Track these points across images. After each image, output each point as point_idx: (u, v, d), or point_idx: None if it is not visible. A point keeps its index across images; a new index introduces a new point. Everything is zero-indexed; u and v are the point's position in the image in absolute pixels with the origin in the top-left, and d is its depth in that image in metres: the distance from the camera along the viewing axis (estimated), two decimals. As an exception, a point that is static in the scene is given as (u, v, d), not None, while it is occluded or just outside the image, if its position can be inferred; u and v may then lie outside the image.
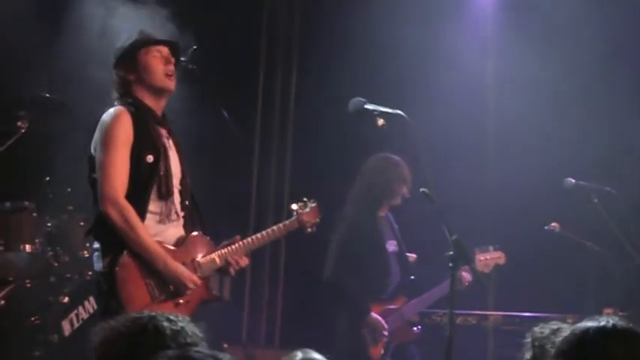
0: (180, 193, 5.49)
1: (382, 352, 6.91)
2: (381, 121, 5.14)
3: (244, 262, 5.63)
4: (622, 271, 7.18)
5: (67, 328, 7.30)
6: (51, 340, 7.25)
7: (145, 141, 5.32)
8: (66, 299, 7.36)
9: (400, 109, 5.22)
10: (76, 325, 7.33)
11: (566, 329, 3.36)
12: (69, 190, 7.84)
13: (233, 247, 5.58)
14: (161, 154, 5.35)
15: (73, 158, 7.75)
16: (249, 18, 9.55)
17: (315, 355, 2.72)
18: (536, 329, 3.56)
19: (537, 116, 8.60)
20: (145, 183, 5.30)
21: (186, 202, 5.54)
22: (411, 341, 7.09)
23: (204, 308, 5.50)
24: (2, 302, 7.29)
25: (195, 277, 5.36)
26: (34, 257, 7.48)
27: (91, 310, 7.39)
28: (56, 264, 7.54)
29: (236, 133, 6.85)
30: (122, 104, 5.37)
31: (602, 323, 2.77)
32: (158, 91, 5.44)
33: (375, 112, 5.20)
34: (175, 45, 5.61)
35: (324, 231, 6.38)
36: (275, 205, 9.70)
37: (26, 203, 7.49)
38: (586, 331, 2.73)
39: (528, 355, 3.53)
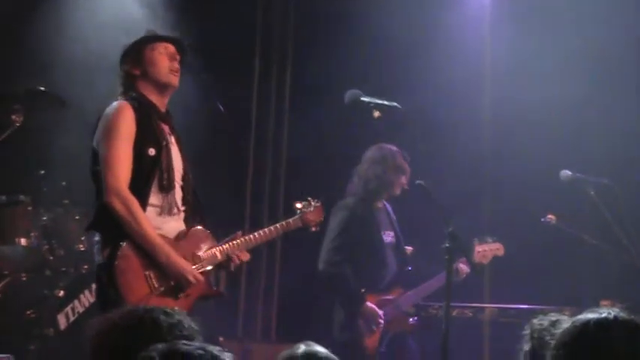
0: (182, 188, 5.54)
1: (378, 342, 6.91)
2: (376, 113, 5.13)
3: (245, 257, 5.65)
4: (619, 263, 7.17)
5: (62, 321, 7.29)
6: (46, 333, 7.23)
7: (147, 135, 5.37)
8: (61, 293, 7.34)
9: (396, 100, 5.22)
10: (72, 318, 7.32)
11: (565, 321, 3.36)
12: (64, 183, 7.82)
13: (234, 242, 5.60)
14: (163, 148, 5.40)
15: (69, 152, 7.76)
16: (245, 8, 9.52)
17: (318, 347, 2.71)
18: (535, 321, 3.55)
19: (534, 107, 8.59)
20: (147, 175, 5.34)
21: (188, 197, 5.57)
22: (407, 332, 7.09)
23: (202, 303, 5.50)
24: (-2, 296, 7.29)
25: (197, 273, 5.37)
26: (29, 251, 7.48)
27: (87, 304, 7.38)
28: (51, 257, 7.53)
29: (230, 123, 6.85)
30: (125, 99, 5.43)
31: (604, 315, 2.76)
32: (162, 87, 5.50)
33: (371, 104, 5.19)
34: (182, 43, 5.65)
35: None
36: (270, 199, 9.68)
37: (21, 197, 7.49)
38: (587, 323, 2.72)
39: (527, 346, 3.52)
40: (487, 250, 7.23)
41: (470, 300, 7.56)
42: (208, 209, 5.76)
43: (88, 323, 2.93)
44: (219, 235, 5.62)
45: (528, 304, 7.13)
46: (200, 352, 2.31)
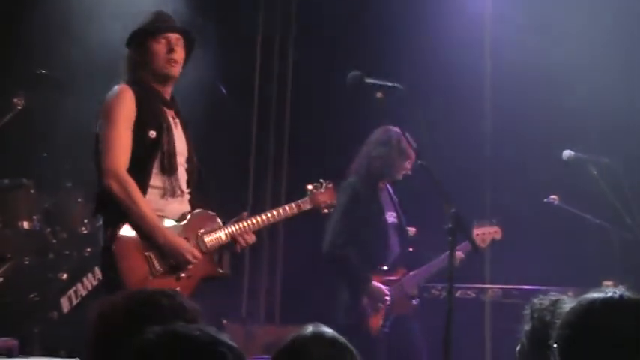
0: (187, 170, 5.56)
1: (381, 322, 6.92)
2: (379, 94, 5.12)
3: (251, 239, 5.65)
4: (621, 243, 7.17)
5: (65, 304, 7.31)
6: (50, 316, 7.26)
7: (147, 117, 5.39)
8: (65, 276, 7.37)
9: (397, 83, 5.21)
10: (75, 301, 7.34)
11: (566, 300, 3.36)
12: (67, 166, 7.83)
13: (240, 224, 5.60)
14: (164, 131, 5.41)
15: (71, 135, 7.76)
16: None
17: (325, 328, 2.71)
18: (536, 301, 3.55)
19: (536, 87, 8.58)
20: (147, 158, 5.36)
21: (193, 180, 5.59)
22: (409, 314, 7.09)
23: (205, 284, 5.51)
24: (1, 279, 7.30)
25: (195, 251, 5.38)
26: (32, 234, 7.49)
27: (90, 287, 7.40)
28: (54, 241, 7.55)
29: (233, 107, 6.85)
30: (127, 82, 5.45)
31: (609, 294, 2.76)
32: (161, 77, 5.51)
33: (374, 86, 5.17)
34: (188, 33, 5.65)
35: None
36: (273, 182, 9.68)
37: (24, 180, 7.50)
38: (593, 302, 2.72)
39: (527, 326, 3.53)
40: (485, 233, 7.23)
41: (472, 281, 7.56)
42: (209, 192, 5.76)
43: (90, 306, 2.93)
44: (221, 217, 5.62)
45: (531, 285, 7.14)
46: (197, 333, 2.31)
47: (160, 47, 5.47)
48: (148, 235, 5.25)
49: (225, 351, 2.32)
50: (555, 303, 3.45)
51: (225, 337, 2.35)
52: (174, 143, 5.46)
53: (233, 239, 5.57)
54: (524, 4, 8.83)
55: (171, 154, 5.42)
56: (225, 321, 7.83)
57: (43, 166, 7.82)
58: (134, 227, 5.24)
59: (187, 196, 5.55)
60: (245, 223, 5.60)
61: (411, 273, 7.08)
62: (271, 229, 9.26)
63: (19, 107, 7.54)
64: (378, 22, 9.16)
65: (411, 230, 7.39)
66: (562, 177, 7.57)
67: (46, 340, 7.17)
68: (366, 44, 9.06)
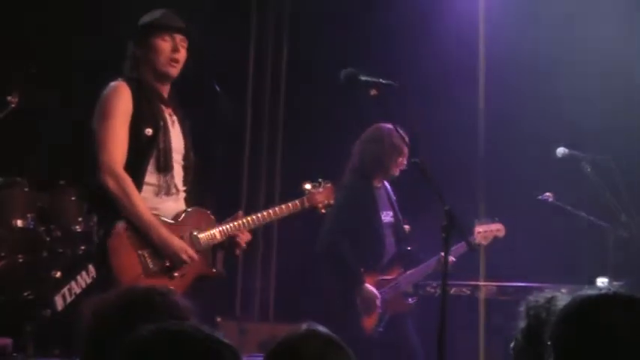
0: (184, 168, 5.55)
1: (375, 322, 6.91)
2: (373, 91, 5.11)
3: (247, 238, 5.65)
4: (616, 240, 7.17)
5: (59, 302, 7.29)
6: (44, 315, 7.24)
7: (144, 114, 5.38)
8: (58, 274, 7.34)
9: (390, 77, 5.20)
10: (69, 299, 7.32)
11: (561, 298, 3.36)
12: (61, 164, 7.81)
13: (236, 223, 5.59)
14: (160, 128, 5.41)
15: (65, 133, 7.75)
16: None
17: (320, 327, 2.71)
18: (531, 298, 3.55)
19: (529, 85, 8.58)
20: (143, 155, 5.35)
21: (189, 178, 5.58)
22: (405, 313, 7.09)
23: (199, 283, 5.49)
24: (-6, 277, 7.29)
25: (190, 251, 5.36)
26: (26, 232, 7.46)
27: (84, 285, 7.38)
28: (48, 239, 7.52)
29: (227, 105, 6.83)
30: (124, 79, 5.44)
31: (603, 291, 2.77)
32: (159, 75, 5.51)
33: (368, 83, 5.17)
34: (192, 34, 5.66)
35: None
36: (267, 179, 9.66)
37: (18, 178, 7.48)
38: (587, 299, 2.72)
39: (523, 324, 3.52)
40: (487, 230, 7.23)
41: (466, 278, 7.57)
42: (206, 190, 5.76)
43: (83, 304, 2.93)
44: (216, 216, 5.61)
45: (525, 282, 7.14)
46: (192, 330, 2.31)
47: (164, 45, 5.48)
48: (142, 233, 5.24)
49: (221, 348, 2.31)
50: (550, 300, 3.44)
51: (220, 334, 2.35)
52: (170, 141, 5.45)
53: (228, 238, 5.56)
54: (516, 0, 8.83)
55: (167, 152, 5.41)
56: (219, 319, 7.82)
57: (37, 164, 7.80)
58: (129, 224, 5.23)
59: (183, 194, 5.54)
60: (240, 221, 5.59)
61: (407, 272, 7.07)
62: (265, 226, 9.29)
63: (13, 105, 7.52)
64: (371, 20, 9.15)
65: (406, 227, 7.39)
66: (556, 174, 7.57)
67: (39, 339, 7.15)
68: (358, 42, 9.06)
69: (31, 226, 7.47)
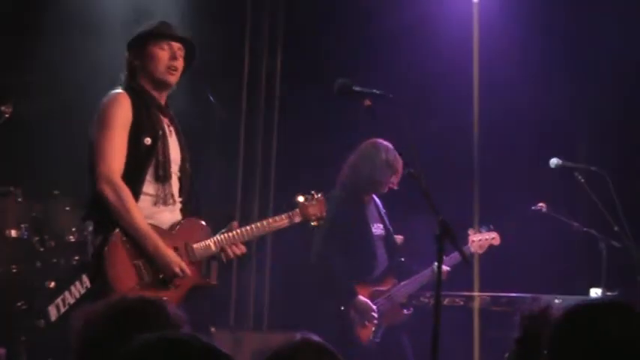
0: (180, 179, 5.56)
1: (371, 334, 6.91)
2: (367, 102, 5.11)
3: (241, 250, 5.63)
4: (609, 250, 7.18)
5: (53, 313, 7.25)
6: (37, 325, 7.22)
7: (143, 124, 5.39)
8: (52, 284, 7.33)
9: (383, 87, 5.21)
10: (63, 310, 7.28)
11: (557, 307, 3.36)
12: (55, 174, 7.81)
13: (230, 234, 5.58)
14: (159, 138, 5.41)
15: (59, 142, 7.74)
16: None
17: (315, 337, 2.71)
18: (526, 307, 3.56)
19: (523, 95, 8.60)
20: (142, 164, 5.36)
21: (186, 189, 5.59)
22: (401, 324, 7.09)
23: (194, 293, 5.50)
24: (-12, 288, 7.27)
25: (183, 265, 5.36)
26: (19, 242, 7.45)
27: (78, 295, 7.34)
28: (42, 249, 7.51)
29: (222, 114, 6.83)
30: (123, 88, 5.46)
31: (597, 300, 2.79)
32: (158, 83, 5.52)
33: (362, 93, 5.17)
34: (191, 43, 5.67)
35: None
36: (261, 190, 9.65)
37: (11, 188, 7.46)
38: (582, 308, 2.73)
39: (518, 334, 3.53)
40: (483, 239, 7.24)
41: (460, 289, 7.57)
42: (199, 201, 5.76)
43: (74, 314, 2.93)
44: (211, 227, 5.61)
45: (519, 292, 7.14)
46: (189, 339, 2.31)
47: (162, 53, 5.49)
48: (138, 243, 5.24)
49: (217, 357, 2.31)
50: (546, 310, 3.45)
51: (215, 344, 2.35)
52: (168, 150, 5.46)
53: (222, 249, 5.56)
54: (511, 6, 8.83)
55: (166, 162, 5.43)
56: (213, 329, 7.81)
57: (31, 173, 7.79)
58: (125, 234, 5.23)
59: (179, 205, 5.55)
60: (233, 233, 5.58)
61: (401, 284, 7.08)
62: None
63: (7, 115, 7.51)
64: (364, 31, 9.16)
65: (398, 238, 7.41)
66: (550, 185, 7.58)
67: (33, 349, 7.15)
68: (353, 50, 9.07)
69: (25, 237, 7.46)
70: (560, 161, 7.17)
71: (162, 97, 5.57)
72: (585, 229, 7.31)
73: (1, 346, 6.93)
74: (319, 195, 6.04)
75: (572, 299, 2.84)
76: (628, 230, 7.00)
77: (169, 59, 5.49)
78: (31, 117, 7.97)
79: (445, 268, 6.96)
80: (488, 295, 7.54)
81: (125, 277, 5.21)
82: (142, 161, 5.36)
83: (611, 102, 8.40)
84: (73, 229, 7.58)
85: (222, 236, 5.57)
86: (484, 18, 9.16)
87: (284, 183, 9.09)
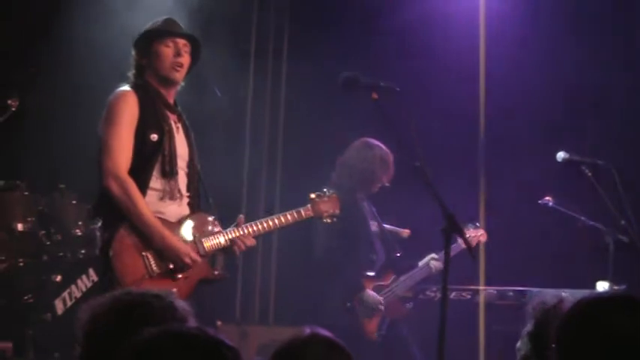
0: (187, 175, 5.61)
1: (377, 326, 6.94)
2: (374, 95, 5.10)
3: (251, 242, 5.69)
4: (615, 244, 7.17)
5: (59, 306, 7.30)
6: (44, 318, 7.24)
7: (150, 120, 5.45)
8: (59, 278, 7.35)
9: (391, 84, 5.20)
10: (69, 303, 7.33)
11: (569, 299, 3.36)
12: (61, 168, 7.81)
13: (242, 230, 5.64)
14: (165, 134, 5.47)
15: (65, 136, 7.75)
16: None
17: (323, 331, 2.72)
18: (539, 300, 3.55)
19: (530, 88, 8.59)
20: (148, 160, 5.41)
21: (193, 184, 5.64)
22: (403, 318, 7.12)
23: (202, 286, 5.52)
24: (-5, 281, 7.29)
25: (193, 254, 5.41)
26: (26, 236, 7.46)
27: (84, 289, 7.38)
28: (48, 243, 7.53)
29: (226, 109, 6.85)
30: (130, 85, 5.51)
31: (607, 294, 2.78)
32: (164, 80, 5.57)
33: (369, 86, 5.16)
34: (195, 40, 5.70)
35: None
36: (267, 186, 9.64)
37: (18, 182, 7.47)
38: (590, 302, 2.72)
39: (530, 325, 3.52)
40: (471, 237, 7.28)
41: (465, 283, 7.56)
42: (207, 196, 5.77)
43: (80, 308, 2.93)
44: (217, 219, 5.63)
45: (526, 286, 7.14)
46: (196, 332, 2.32)
47: (167, 50, 5.54)
48: (146, 237, 5.29)
49: (224, 349, 2.32)
50: (559, 304, 3.45)
51: (223, 337, 2.35)
52: (175, 146, 5.51)
53: (232, 243, 5.61)
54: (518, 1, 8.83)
55: (172, 157, 5.48)
56: (219, 322, 7.82)
57: (37, 167, 7.80)
58: (133, 228, 5.28)
59: (186, 199, 5.59)
60: (246, 230, 5.65)
61: (401, 278, 7.12)
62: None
63: (13, 109, 7.52)
64: (370, 25, 9.15)
65: (405, 232, 7.42)
66: (556, 178, 7.57)
67: (39, 342, 7.16)
68: (357, 47, 9.05)
69: (32, 230, 7.47)
70: (567, 155, 7.15)
71: (169, 95, 5.62)
72: (592, 222, 7.29)
73: (7, 340, 6.95)
74: (332, 193, 6.13)
75: (579, 293, 2.83)
76: (635, 224, 6.98)
77: (174, 56, 5.54)
78: (37, 111, 7.98)
79: (438, 264, 7.02)
80: (494, 289, 7.53)
81: (133, 269, 5.25)
82: (149, 157, 5.40)
83: (619, 94, 8.37)
84: (80, 223, 7.60)
85: (233, 231, 5.62)
86: (491, 10, 9.15)
87: (290, 182, 9.08)
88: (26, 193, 7.48)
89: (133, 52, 5.62)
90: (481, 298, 7.47)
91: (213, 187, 5.89)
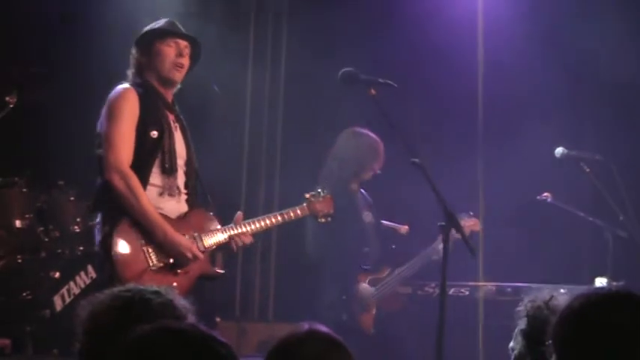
0: (185, 173, 5.65)
1: (373, 320, 6.95)
2: (372, 91, 5.12)
3: (248, 239, 5.75)
4: (614, 240, 7.17)
5: (58, 303, 7.30)
6: (43, 315, 7.25)
7: (150, 117, 5.49)
8: (57, 274, 7.35)
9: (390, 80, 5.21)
10: (68, 300, 7.33)
11: (560, 297, 3.36)
12: (59, 165, 7.81)
13: (240, 228, 5.70)
14: (165, 131, 5.51)
15: (63, 133, 7.75)
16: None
17: (321, 327, 2.71)
18: (530, 297, 3.55)
19: (528, 84, 8.58)
20: (148, 156, 5.45)
21: (191, 183, 5.68)
22: (399, 310, 7.13)
23: (201, 283, 5.55)
24: (-7, 278, 7.28)
25: (195, 249, 5.46)
26: (24, 233, 7.46)
27: (83, 285, 7.39)
28: (47, 239, 7.53)
29: (225, 105, 6.85)
30: (130, 83, 5.55)
31: (605, 290, 2.76)
32: (164, 80, 5.61)
33: (368, 82, 5.17)
34: (196, 41, 5.74)
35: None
36: (266, 183, 9.63)
37: (16, 179, 7.48)
38: (589, 298, 2.71)
39: (523, 323, 3.52)
40: (465, 226, 7.25)
41: (464, 279, 7.56)
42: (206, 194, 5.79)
43: (79, 305, 2.93)
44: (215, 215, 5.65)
45: (524, 282, 7.14)
46: (189, 329, 2.31)
47: (169, 50, 5.59)
48: (148, 230, 5.33)
49: (218, 347, 2.32)
50: (550, 300, 3.44)
51: (216, 333, 2.35)
52: (174, 144, 5.55)
53: (230, 239, 5.65)
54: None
55: (172, 154, 5.52)
56: (218, 319, 7.82)
57: (35, 164, 7.79)
58: (134, 222, 5.32)
59: (184, 196, 5.63)
60: (245, 228, 5.70)
61: (396, 270, 7.12)
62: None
63: (11, 105, 7.51)
64: (368, 21, 9.13)
65: (404, 228, 7.42)
66: (555, 174, 7.57)
67: (38, 339, 7.16)
68: (357, 44, 9.04)
69: (30, 227, 7.47)
70: (565, 150, 7.15)
71: (168, 94, 5.66)
72: (591, 218, 7.29)
73: (6, 337, 6.95)
74: (327, 193, 6.18)
75: (578, 289, 2.82)
76: (634, 219, 6.98)
77: (175, 56, 5.58)
78: (35, 107, 7.98)
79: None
80: (493, 285, 7.53)
81: (133, 262, 5.28)
82: (149, 153, 5.44)
83: (617, 89, 8.37)
84: (78, 220, 7.60)
85: (232, 230, 5.67)
86: (489, 6, 9.14)
87: (288, 182, 9.06)
88: (24, 189, 7.48)
89: (134, 51, 5.65)
90: (481, 294, 7.48)
91: (211, 184, 5.91)
